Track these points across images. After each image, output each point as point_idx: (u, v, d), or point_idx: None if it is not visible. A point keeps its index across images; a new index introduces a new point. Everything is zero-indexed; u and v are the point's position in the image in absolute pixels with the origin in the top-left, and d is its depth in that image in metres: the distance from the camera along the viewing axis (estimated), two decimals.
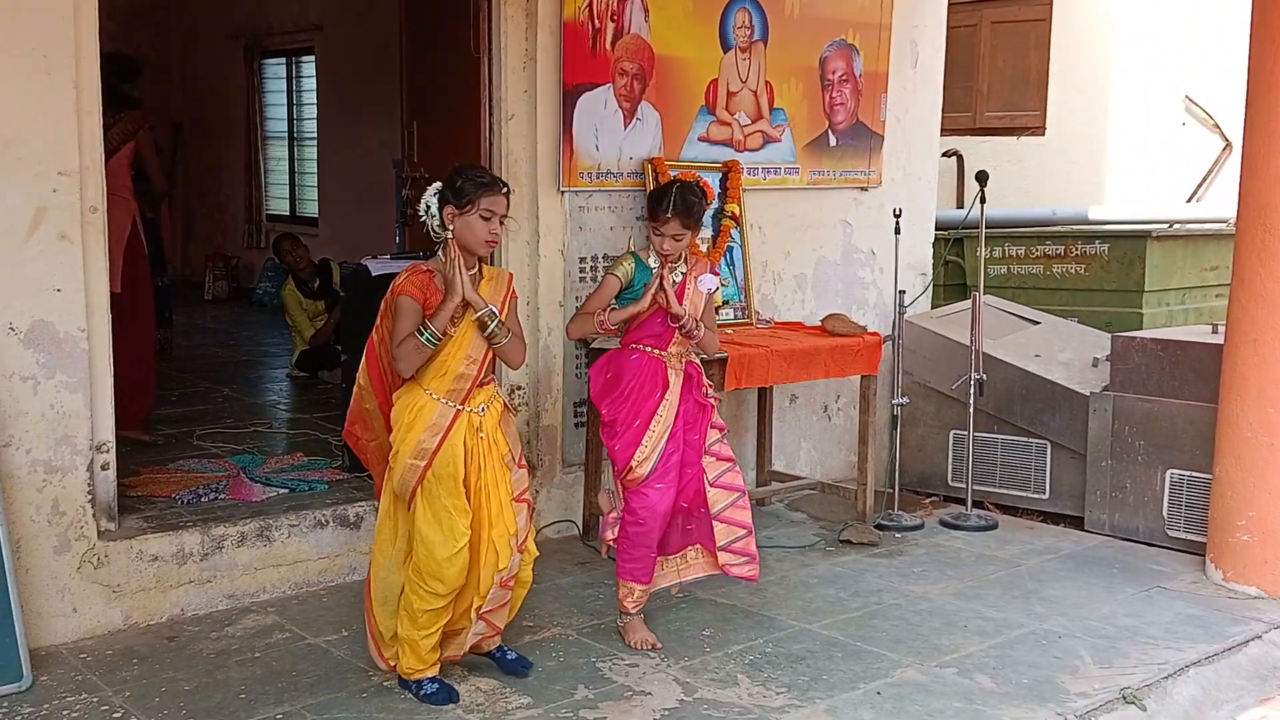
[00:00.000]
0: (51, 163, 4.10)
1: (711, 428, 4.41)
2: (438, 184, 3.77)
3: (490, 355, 3.81)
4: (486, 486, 3.78)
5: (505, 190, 3.77)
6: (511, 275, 4.01)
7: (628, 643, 4.29)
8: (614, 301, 4.36)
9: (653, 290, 4.19)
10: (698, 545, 4.46)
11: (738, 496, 4.41)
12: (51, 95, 4.09)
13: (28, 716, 3.70)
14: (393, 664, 3.90)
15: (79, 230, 4.18)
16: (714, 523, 4.38)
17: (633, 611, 4.32)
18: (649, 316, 4.26)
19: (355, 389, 3.92)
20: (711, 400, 4.42)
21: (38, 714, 3.71)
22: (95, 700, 3.81)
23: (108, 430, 4.36)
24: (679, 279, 4.32)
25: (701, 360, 4.61)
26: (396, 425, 3.76)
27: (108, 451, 4.36)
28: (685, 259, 4.39)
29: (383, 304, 3.79)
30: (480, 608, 3.83)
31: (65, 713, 3.72)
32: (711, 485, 4.37)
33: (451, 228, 3.70)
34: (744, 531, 4.43)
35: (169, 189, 7.30)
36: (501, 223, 3.76)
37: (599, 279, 5.54)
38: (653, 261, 4.31)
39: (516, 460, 3.91)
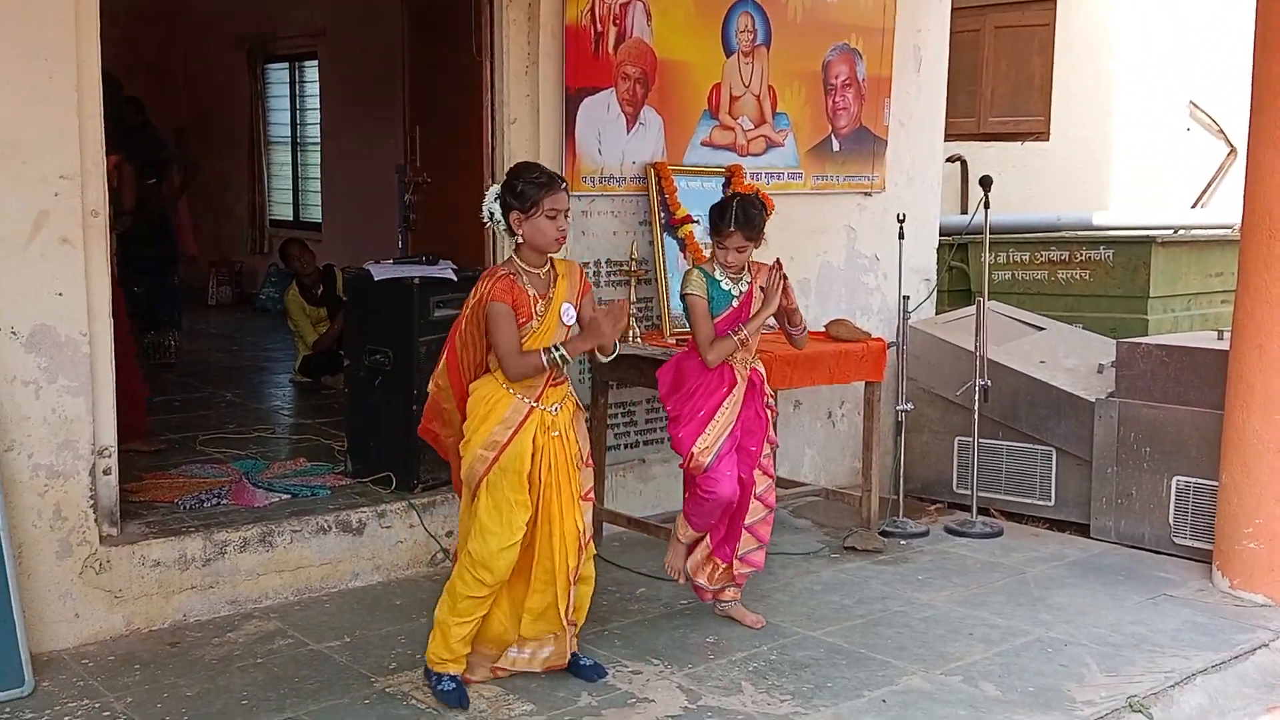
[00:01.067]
0: (53, 166, 4.09)
1: (765, 441, 4.52)
2: (495, 188, 3.84)
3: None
4: (557, 484, 3.84)
5: (564, 186, 3.85)
6: (583, 269, 4.08)
7: (745, 623, 4.53)
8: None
9: (776, 290, 4.34)
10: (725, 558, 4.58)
11: (769, 513, 4.59)
12: (53, 99, 4.08)
13: None
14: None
15: (81, 234, 4.17)
16: (743, 532, 4.50)
17: (682, 541, 4.54)
18: (716, 324, 4.37)
19: (432, 390, 3.95)
20: (770, 412, 4.53)
21: (39, 719, 3.70)
22: (97, 706, 3.79)
23: (110, 435, 4.35)
24: (744, 289, 4.44)
25: None
26: (471, 415, 3.82)
27: (110, 456, 4.35)
28: (748, 268, 4.50)
29: (466, 310, 3.82)
30: (566, 609, 3.90)
31: (67, 718, 3.71)
32: (755, 498, 4.51)
33: (520, 232, 3.77)
34: (758, 544, 4.58)
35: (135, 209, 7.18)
36: (567, 217, 3.82)
37: (601, 286, 5.56)
38: (718, 273, 4.42)
39: (585, 460, 3.97)
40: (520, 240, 3.80)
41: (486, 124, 5.40)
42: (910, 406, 6.02)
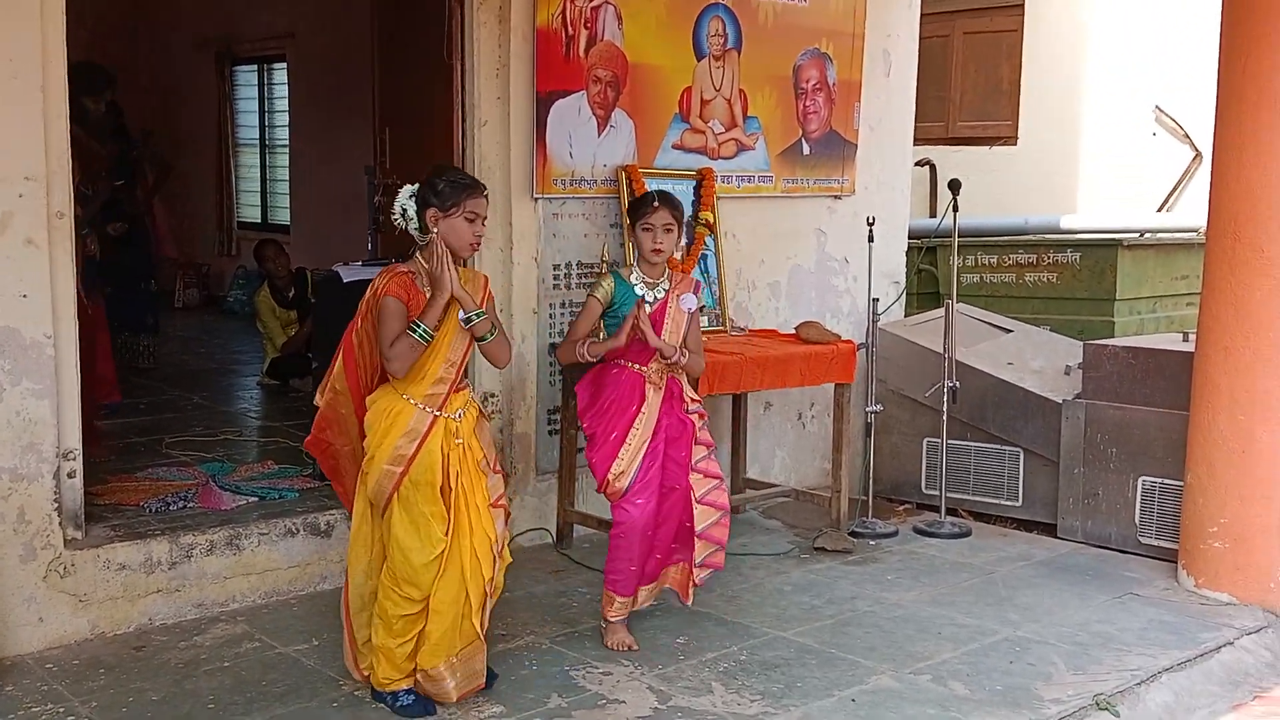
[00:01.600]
0: (17, 168, 4.05)
1: (698, 444, 4.44)
2: (411, 186, 3.75)
3: (466, 359, 3.79)
4: (464, 492, 3.74)
5: (486, 192, 3.80)
6: (487, 277, 4.01)
7: (606, 644, 4.31)
8: (600, 324, 4.40)
9: (629, 326, 4.21)
10: (679, 563, 4.49)
11: (721, 515, 4.47)
12: (17, 100, 4.04)
13: None
14: (367, 674, 3.85)
15: (45, 236, 4.13)
16: (696, 540, 4.40)
17: (613, 619, 4.35)
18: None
19: (328, 394, 3.85)
20: (694, 416, 4.44)
21: None
22: (61, 710, 3.75)
23: (74, 438, 4.30)
24: (660, 295, 4.36)
25: None
26: (371, 430, 3.71)
27: (74, 459, 4.31)
28: (669, 276, 4.43)
29: (362, 306, 3.76)
30: (482, 621, 3.78)
31: None
32: (698, 502, 4.40)
33: (435, 230, 3.69)
34: (717, 547, 4.50)
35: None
36: (483, 225, 3.77)
37: (572, 288, 5.56)
38: (633, 278, 4.35)
39: (492, 465, 3.88)
40: (432, 237, 3.68)
41: (457, 126, 5.39)
42: (880, 408, 6.05)
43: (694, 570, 4.44)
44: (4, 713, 3.74)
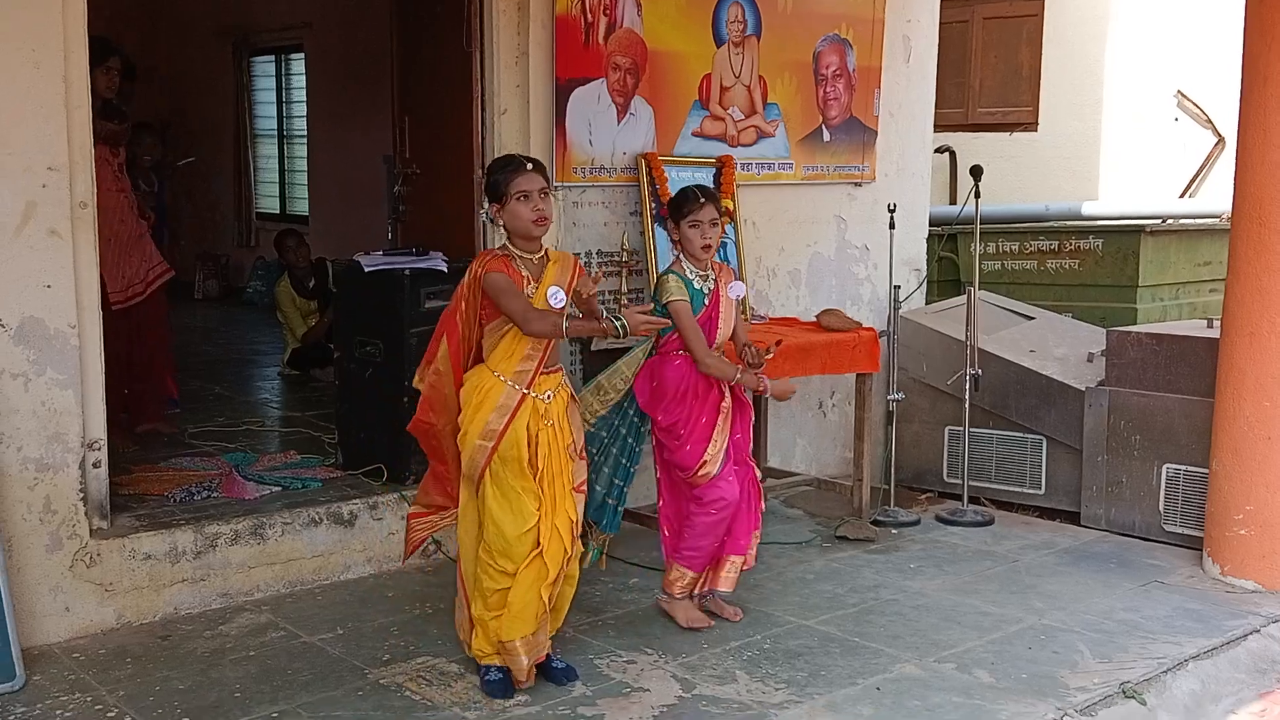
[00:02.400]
0: (40, 158, 4.06)
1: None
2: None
3: (553, 342, 3.84)
4: (551, 473, 3.82)
5: (532, 165, 3.83)
6: (577, 257, 4.08)
7: (678, 620, 4.40)
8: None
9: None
10: (736, 556, 4.51)
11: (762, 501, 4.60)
12: (40, 90, 4.05)
13: (21, 716, 3.66)
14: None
15: (69, 226, 4.15)
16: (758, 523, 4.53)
17: (678, 596, 4.43)
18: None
19: (430, 376, 3.90)
20: (749, 398, 4.53)
21: (31, 714, 3.68)
22: (89, 700, 3.77)
23: (99, 428, 4.32)
24: (711, 287, 4.41)
25: None
26: (465, 406, 3.81)
27: (99, 449, 4.33)
28: (712, 267, 4.47)
29: (462, 289, 3.82)
30: (551, 598, 3.84)
31: (59, 712, 3.69)
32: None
33: (500, 222, 3.81)
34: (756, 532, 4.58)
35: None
36: (544, 196, 3.80)
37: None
38: (689, 273, 4.37)
39: (579, 452, 3.95)
40: (502, 229, 3.85)
41: (476, 115, 5.38)
42: (901, 396, 6.03)
43: (747, 557, 4.52)
44: (32, 702, 3.76)
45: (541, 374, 3.82)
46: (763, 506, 4.58)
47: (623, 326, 3.74)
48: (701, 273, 4.39)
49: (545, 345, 3.81)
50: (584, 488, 4.00)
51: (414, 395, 4.07)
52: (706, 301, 4.37)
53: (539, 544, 3.78)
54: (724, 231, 4.45)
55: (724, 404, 4.36)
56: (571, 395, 3.99)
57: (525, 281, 3.77)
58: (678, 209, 4.40)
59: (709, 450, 4.30)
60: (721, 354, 4.42)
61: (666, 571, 4.47)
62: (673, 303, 4.30)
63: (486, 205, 3.87)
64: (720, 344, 4.43)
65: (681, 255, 4.44)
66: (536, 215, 3.77)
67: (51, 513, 4.19)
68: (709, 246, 4.35)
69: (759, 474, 4.62)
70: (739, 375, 4.31)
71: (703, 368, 4.30)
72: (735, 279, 4.53)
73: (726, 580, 4.49)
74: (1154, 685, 4.03)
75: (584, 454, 4.01)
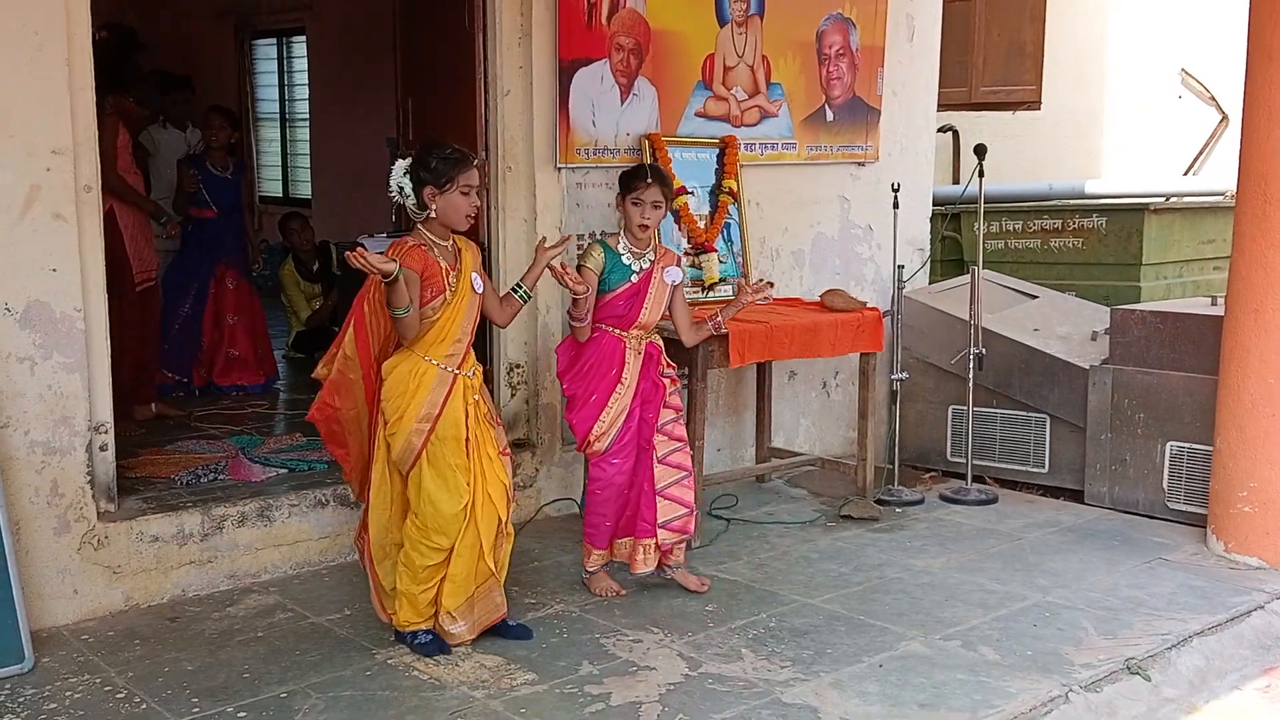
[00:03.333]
0: (44, 141, 4.07)
1: (666, 407, 4.54)
2: (404, 162, 3.91)
3: (476, 323, 4.01)
4: (478, 443, 3.96)
5: (476, 162, 3.94)
6: (478, 246, 4.25)
7: (594, 592, 4.53)
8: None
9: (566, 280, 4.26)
10: (633, 538, 4.53)
11: (683, 476, 4.56)
12: (43, 72, 4.05)
13: (30, 698, 3.68)
14: (392, 616, 4.06)
15: (74, 209, 4.15)
16: (657, 499, 4.48)
17: (591, 570, 4.56)
18: (612, 298, 4.41)
19: (338, 361, 4.01)
20: (667, 380, 4.54)
21: (40, 695, 3.70)
22: (98, 681, 3.80)
23: (106, 411, 4.33)
24: (646, 266, 4.46)
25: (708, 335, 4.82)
26: (395, 394, 3.88)
27: (106, 432, 4.34)
28: (654, 248, 4.53)
29: (372, 280, 3.88)
30: (496, 562, 4.03)
31: (68, 694, 3.71)
32: (659, 462, 4.50)
33: (433, 207, 3.86)
34: (685, 510, 4.54)
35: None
36: (478, 194, 3.92)
37: None
38: (620, 248, 4.45)
39: (495, 419, 4.09)
40: (431, 215, 3.88)
41: (479, 96, 5.37)
42: (905, 376, 6.03)
43: (660, 532, 4.47)
44: (41, 684, 3.78)
45: (467, 354, 3.97)
46: (678, 494, 4.51)
47: (523, 295, 4.07)
48: (637, 250, 4.46)
49: (471, 327, 3.97)
50: (508, 451, 4.13)
51: None
52: (634, 279, 4.43)
53: (468, 515, 3.92)
54: (664, 215, 4.51)
55: (621, 383, 4.40)
56: (481, 369, 4.13)
57: (445, 271, 3.87)
58: (626, 184, 4.46)
59: (596, 427, 4.39)
60: (647, 333, 4.50)
61: (582, 550, 4.61)
62: (579, 267, 4.41)
63: (407, 184, 3.87)
64: (646, 324, 4.47)
65: (622, 230, 4.50)
66: (473, 211, 3.92)
67: (59, 496, 4.21)
68: (645, 227, 4.42)
69: (683, 462, 4.56)
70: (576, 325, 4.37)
71: (500, 323, 4.34)
72: (677, 265, 4.57)
73: (643, 562, 4.51)
74: (1158, 661, 4.05)
75: (499, 420, 4.14)
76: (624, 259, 4.45)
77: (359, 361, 4.00)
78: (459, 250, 3.97)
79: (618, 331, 4.45)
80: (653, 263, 4.49)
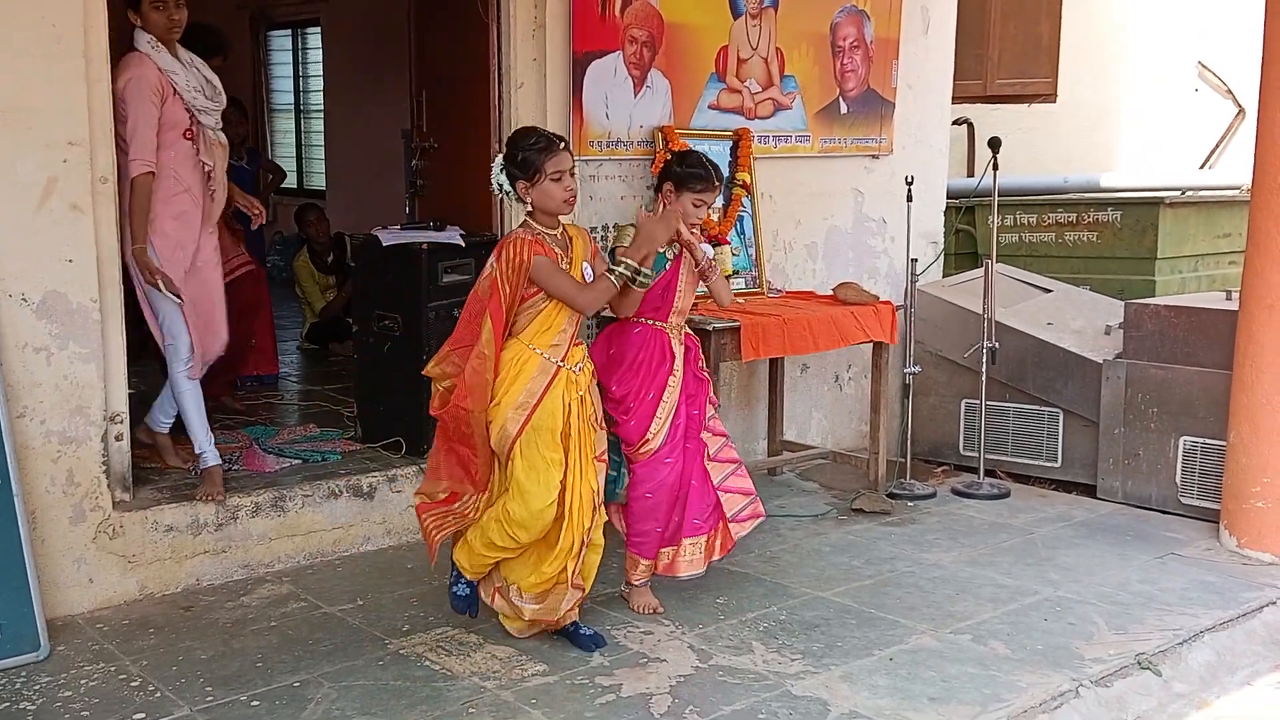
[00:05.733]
0: (61, 132, 4.09)
1: (708, 403, 4.45)
2: (500, 159, 3.87)
3: (581, 316, 3.92)
4: (580, 444, 3.88)
5: (564, 145, 3.86)
6: (589, 231, 4.16)
7: (632, 608, 4.34)
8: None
9: (682, 239, 4.24)
10: (696, 537, 4.39)
11: (736, 467, 4.46)
12: (60, 64, 4.07)
13: (45, 686, 3.72)
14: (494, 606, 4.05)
15: (90, 200, 4.17)
16: (720, 494, 4.39)
17: (636, 583, 4.38)
18: (647, 291, 4.23)
19: (474, 361, 3.80)
20: (706, 374, 4.47)
21: (55, 683, 3.73)
22: (113, 669, 3.83)
23: (121, 401, 4.36)
24: (676, 250, 4.35)
25: (713, 329, 4.79)
26: (499, 379, 3.83)
27: (121, 422, 4.37)
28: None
29: (499, 275, 3.75)
30: (574, 570, 3.88)
31: (83, 682, 3.74)
32: (711, 460, 4.41)
33: (529, 199, 3.82)
34: (749, 499, 4.46)
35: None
36: (572, 175, 3.85)
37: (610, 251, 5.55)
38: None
39: (599, 422, 4.00)
40: (530, 207, 3.85)
41: (493, 88, 5.38)
42: (918, 369, 6.03)
43: (731, 526, 4.41)
44: (57, 672, 3.81)
45: (573, 346, 3.90)
46: (738, 484, 4.42)
47: (629, 270, 3.88)
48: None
49: (577, 319, 3.90)
50: (605, 457, 4.05)
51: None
52: (668, 266, 4.30)
53: (562, 515, 3.83)
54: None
55: (672, 379, 4.25)
56: (593, 367, 4.05)
57: (558, 258, 3.82)
58: (684, 177, 4.28)
59: (653, 425, 4.23)
60: (682, 322, 4.37)
61: (625, 560, 4.40)
62: (617, 248, 4.31)
63: (505, 180, 3.85)
64: (683, 310, 4.33)
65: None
66: (570, 195, 3.84)
67: (75, 485, 4.24)
68: (695, 225, 4.35)
69: (731, 454, 4.48)
70: (614, 276, 3.99)
71: (585, 308, 3.96)
72: (705, 241, 4.50)
73: (688, 564, 4.36)
74: (1169, 657, 4.05)
75: (603, 424, 4.05)
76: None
77: (495, 361, 3.80)
78: (570, 239, 3.91)
79: (657, 324, 4.30)
80: (680, 248, 4.37)
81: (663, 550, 4.38)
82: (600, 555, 4.06)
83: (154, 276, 4.45)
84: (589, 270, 3.91)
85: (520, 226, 3.90)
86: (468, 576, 4.01)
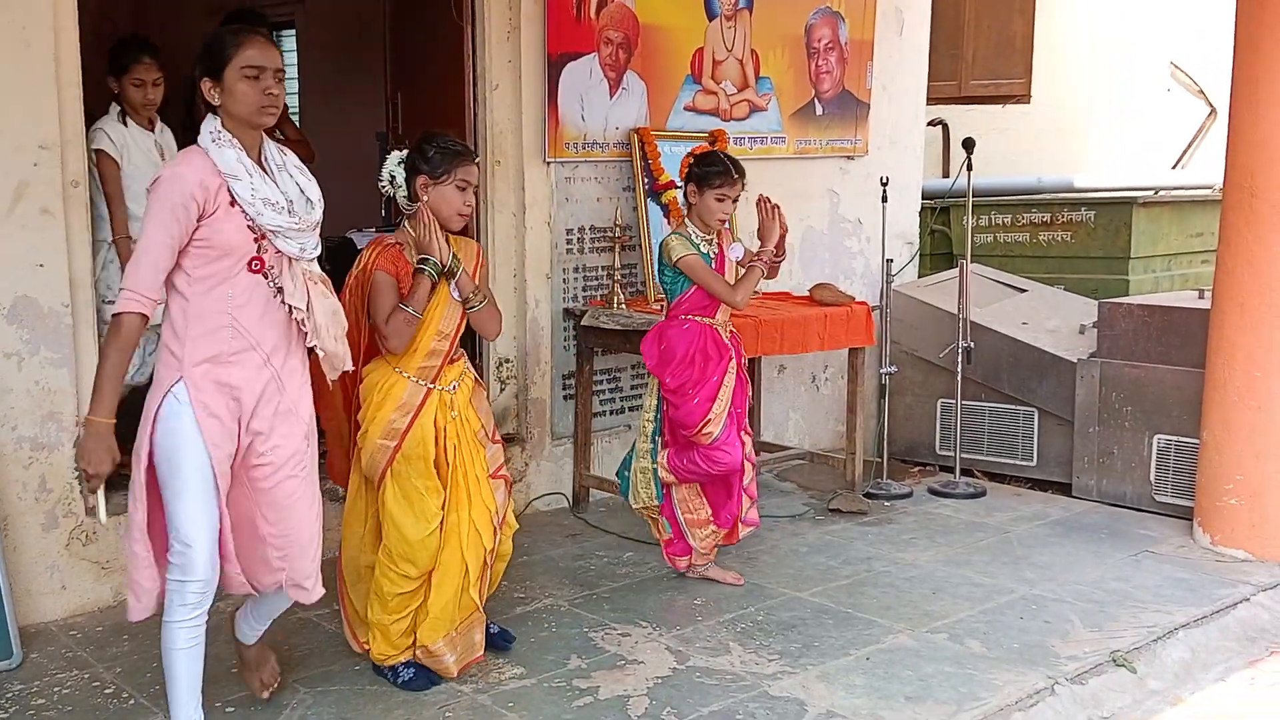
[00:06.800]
0: (31, 136, 4.06)
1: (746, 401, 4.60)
2: (399, 153, 3.70)
3: (460, 331, 3.72)
4: (463, 465, 3.69)
5: (477, 159, 3.72)
6: (480, 245, 4.00)
7: (724, 580, 4.60)
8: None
9: (774, 221, 4.39)
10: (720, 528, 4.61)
11: (755, 472, 4.66)
12: (30, 68, 4.05)
13: (19, 694, 3.69)
14: (367, 647, 3.79)
15: (61, 205, 4.15)
16: (743, 495, 4.55)
17: (710, 556, 4.64)
18: (695, 288, 4.37)
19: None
20: (746, 374, 4.58)
21: (29, 691, 3.70)
22: (86, 677, 3.80)
23: None
24: (716, 251, 4.45)
25: None
26: (365, 405, 3.65)
27: None
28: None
29: (350, 280, 3.65)
30: (481, 593, 3.75)
31: (56, 689, 3.71)
32: (746, 459, 4.54)
33: (425, 198, 3.62)
34: (752, 502, 4.63)
35: None
36: (473, 193, 3.69)
37: (585, 253, 5.56)
38: (695, 237, 4.39)
39: (490, 436, 3.83)
40: (419, 207, 3.61)
41: (468, 90, 5.37)
42: (894, 369, 6.05)
43: (740, 526, 4.58)
44: (30, 679, 3.79)
45: (446, 365, 3.68)
46: (752, 490, 4.62)
47: (434, 268, 3.56)
48: (707, 236, 4.43)
49: (451, 339, 3.67)
50: (503, 472, 3.86)
51: None
52: (711, 264, 4.40)
53: (452, 543, 3.66)
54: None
55: (731, 367, 4.39)
56: (476, 380, 3.85)
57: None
58: (708, 175, 4.34)
59: (715, 408, 4.34)
60: (728, 322, 4.51)
61: (706, 539, 4.58)
62: (684, 259, 4.33)
63: (400, 173, 3.64)
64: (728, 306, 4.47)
65: (688, 218, 4.45)
66: (465, 209, 3.66)
67: (47, 491, 4.21)
68: (724, 220, 4.41)
69: (754, 457, 4.66)
70: (763, 272, 4.38)
71: (739, 304, 4.37)
72: (734, 240, 4.56)
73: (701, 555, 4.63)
74: (1144, 654, 4.07)
75: (497, 437, 3.87)
76: (701, 246, 4.39)
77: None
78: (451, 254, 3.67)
79: (706, 320, 4.40)
80: (719, 244, 4.47)
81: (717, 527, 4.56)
82: (506, 564, 3.93)
83: (89, 476, 3.05)
84: (455, 290, 3.65)
85: (398, 230, 3.70)
86: (401, 659, 3.72)
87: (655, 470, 4.51)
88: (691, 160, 4.57)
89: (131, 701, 3.63)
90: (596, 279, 5.69)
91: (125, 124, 4.69)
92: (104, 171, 4.57)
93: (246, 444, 3.14)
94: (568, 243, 5.58)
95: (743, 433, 4.51)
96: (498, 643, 3.98)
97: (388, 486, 3.63)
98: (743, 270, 4.45)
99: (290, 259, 3.15)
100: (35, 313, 4.12)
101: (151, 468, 3.10)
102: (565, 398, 5.62)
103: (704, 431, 4.35)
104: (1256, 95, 4.83)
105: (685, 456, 4.45)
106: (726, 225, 4.49)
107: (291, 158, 3.33)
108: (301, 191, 3.27)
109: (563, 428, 5.62)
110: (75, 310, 4.21)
